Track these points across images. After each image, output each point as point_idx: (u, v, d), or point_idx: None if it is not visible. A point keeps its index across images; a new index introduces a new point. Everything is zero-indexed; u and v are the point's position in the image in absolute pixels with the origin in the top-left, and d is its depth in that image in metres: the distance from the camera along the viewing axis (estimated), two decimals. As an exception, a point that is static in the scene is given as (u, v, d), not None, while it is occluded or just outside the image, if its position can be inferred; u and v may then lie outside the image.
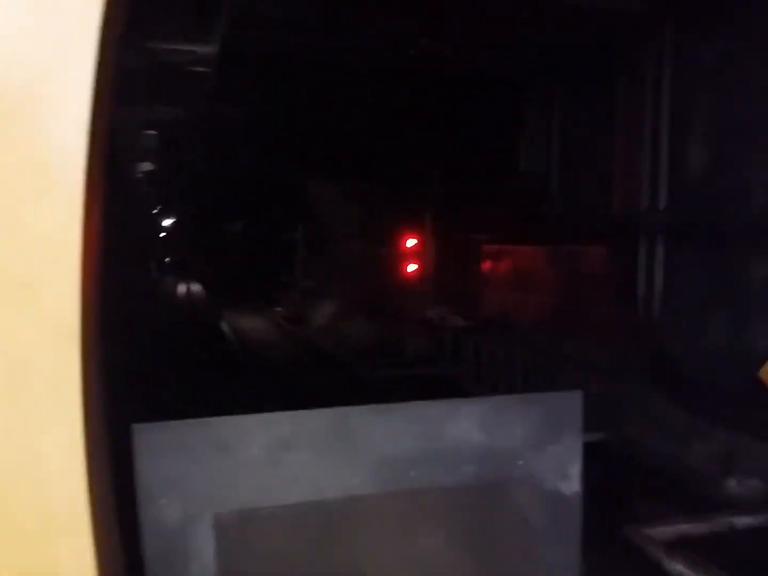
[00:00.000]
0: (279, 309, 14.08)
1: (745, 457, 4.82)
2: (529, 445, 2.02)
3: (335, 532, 1.94)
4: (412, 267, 12.57)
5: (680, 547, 3.76)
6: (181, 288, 18.57)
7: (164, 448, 1.61)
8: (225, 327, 12.80)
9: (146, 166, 12.72)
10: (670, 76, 6.74)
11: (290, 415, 1.82)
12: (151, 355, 6.66)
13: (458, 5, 6.82)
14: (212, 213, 21.59)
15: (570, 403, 2.08)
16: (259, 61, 8.25)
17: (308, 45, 8.01)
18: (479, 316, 10.11)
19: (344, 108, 11.12)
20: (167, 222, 23.49)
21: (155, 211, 19.73)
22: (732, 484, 4.67)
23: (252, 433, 1.79)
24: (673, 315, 6.61)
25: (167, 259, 21.57)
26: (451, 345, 9.81)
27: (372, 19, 7.26)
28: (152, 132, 11.13)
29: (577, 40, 7.75)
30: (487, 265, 10.76)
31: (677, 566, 3.58)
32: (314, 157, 15.53)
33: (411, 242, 12.56)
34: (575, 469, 2.08)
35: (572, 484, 2.06)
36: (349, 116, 11.72)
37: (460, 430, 1.95)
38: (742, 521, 4.23)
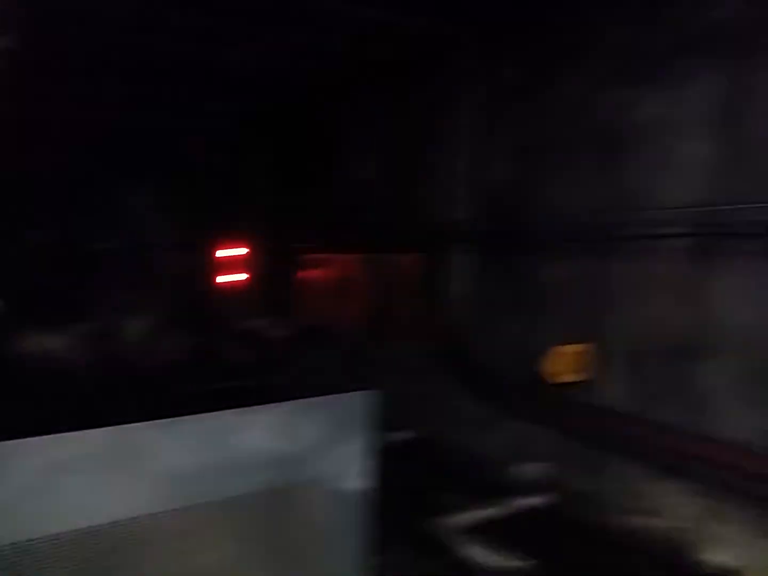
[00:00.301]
0: (87, 324, 13.07)
1: (532, 443, 5.33)
2: (322, 446, 2.08)
3: (126, 554, 1.87)
4: (232, 277, 12.34)
5: (474, 532, 4.08)
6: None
7: None
8: (23, 346, 11.65)
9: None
10: (480, 92, 7.26)
11: (70, 436, 1.72)
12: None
13: (274, 10, 6.83)
14: (12, 221, 19.60)
15: (363, 402, 2.17)
16: (64, 57, 7.67)
17: (118, 43, 7.61)
18: (300, 323, 10.18)
19: (160, 113, 10.68)
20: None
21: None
22: (521, 469, 5.14)
23: (26, 458, 1.67)
24: (476, 317, 7.12)
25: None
26: (273, 354, 9.76)
27: (186, 19, 7.05)
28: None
29: (396, 55, 8.09)
30: (309, 274, 10.86)
31: (470, 550, 3.88)
32: (131, 163, 14.67)
33: (231, 252, 12.35)
34: (368, 467, 2.18)
35: (364, 481, 2.16)
36: (166, 122, 11.26)
37: (252, 437, 1.97)
38: (529, 502, 4.69)
